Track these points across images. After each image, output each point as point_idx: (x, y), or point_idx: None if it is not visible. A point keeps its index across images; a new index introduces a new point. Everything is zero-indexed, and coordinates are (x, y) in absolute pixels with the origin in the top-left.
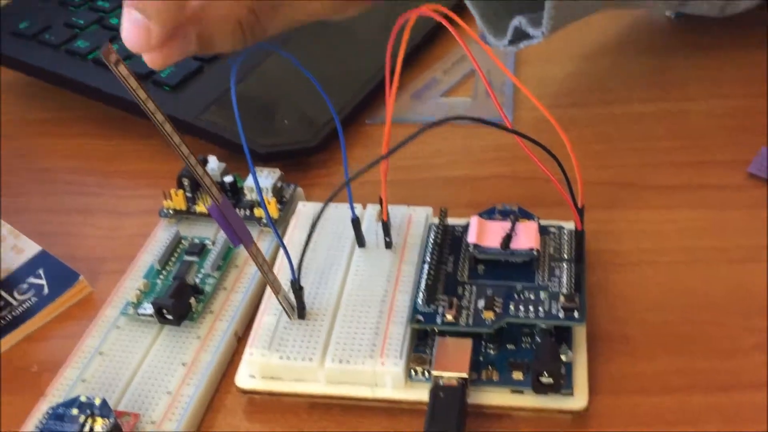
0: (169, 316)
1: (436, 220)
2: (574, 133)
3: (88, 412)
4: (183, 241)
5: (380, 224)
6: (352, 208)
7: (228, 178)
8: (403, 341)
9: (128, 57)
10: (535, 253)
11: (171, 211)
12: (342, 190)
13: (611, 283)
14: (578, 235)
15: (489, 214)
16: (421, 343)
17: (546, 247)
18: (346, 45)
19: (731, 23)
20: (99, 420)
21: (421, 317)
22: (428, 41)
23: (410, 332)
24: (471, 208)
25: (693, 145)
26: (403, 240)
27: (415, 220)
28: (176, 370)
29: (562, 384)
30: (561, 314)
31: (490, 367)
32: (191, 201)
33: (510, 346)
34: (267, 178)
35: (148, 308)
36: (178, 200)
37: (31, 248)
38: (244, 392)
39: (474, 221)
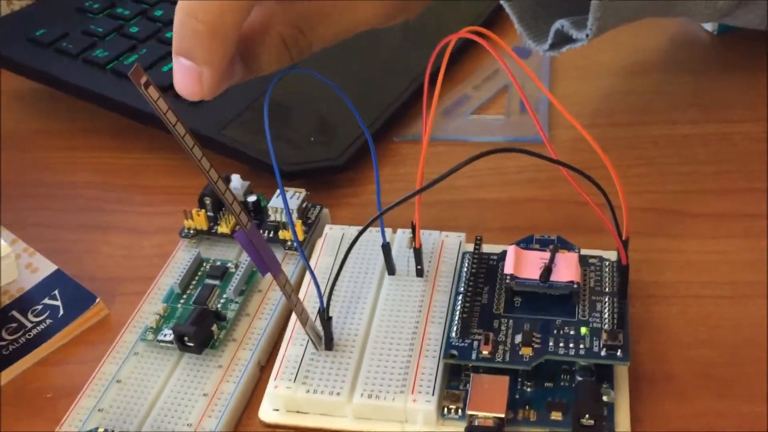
0: (191, 344)
1: (470, 247)
2: (614, 155)
3: None
4: (204, 264)
5: (412, 251)
6: (383, 234)
7: (252, 198)
8: (435, 377)
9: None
10: (575, 286)
11: (192, 231)
12: (375, 221)
13: (653, 316)
14: (622, 270)
15: (527, 243)
16: (455, 378)
17: (587, 280)
18: (372, 59)
19: None
20: None
21: (455, 352)
22: (458, 55)
23: (443, 367)
24: (505, 233)
25: (739, 171)
26: (435, 268)
27: (447, 247)
28: (197, 401)
29: (604, 426)
30: (603, 352)
31: (527, 407)
32: (213, 221)
33: (548, 384)
34: (292, 198)
35: (168, 334)
36: (199, 220)
37: (46, 267)
38: (268, 426)
39: (511, 251)
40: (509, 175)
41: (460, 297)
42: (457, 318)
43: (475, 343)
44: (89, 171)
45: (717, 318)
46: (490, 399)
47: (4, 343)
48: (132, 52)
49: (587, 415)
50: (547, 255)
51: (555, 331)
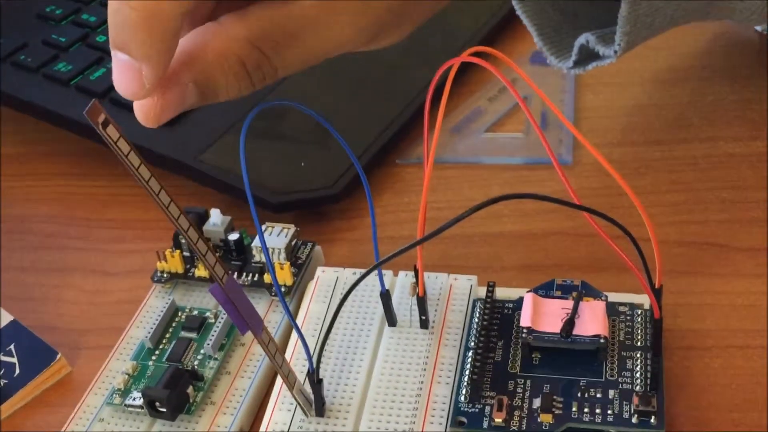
0: (163, 410)
1: (482, 291)
2: (647, 180)
3: None
4: (180, 313)
5: (415, 299)
6: (382, 281)
7: (233, 236)
8: None
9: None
10: (602, 340)
11: (166, 275)
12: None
13: (692, 372)
14: (656, 324)
15: (546, 289)
16: None
17: (616, 333)
18: (371, 71)
19: None
20: None
21: (463, 419)
22: (470, 63)
23: None
24: (522, 274)
25: None
26: (443, 317)
27: (456, 292)
28: None
29: None
30: (634, 419)
31: None
32: (190, 262)
33: None
34: (279, 236)
35: (137, 398)
36: (174, 262)
37: (1, 318)
38: None
39: (528, 300)
40: (527, 204)
41: (470, 353)
42: (466, 378)
43: (487, 409)
44: (48, 201)
45: (766, 373)
46: None
47: None
48: (98, 65)
49: None
50: (569, 304)
51: (579, 394)
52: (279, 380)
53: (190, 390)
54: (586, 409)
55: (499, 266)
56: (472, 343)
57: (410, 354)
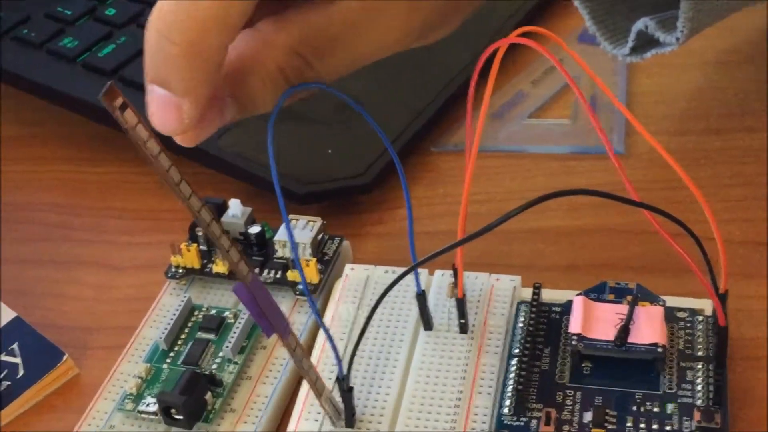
0: (179, 417)
1: (526, 293)
2: (708, 172)
3: None
4: (196, 312)
5: (454, 301)
6: (418, 281)
7: (254, 229)
8: None
9: None
10: (659, 350)
11: (181, 270)
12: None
13: (758, 385)
14: (720, 332)
15: (598, 292)
16: None
17: (674, 342)
18: (405, 54)
19: None
20: None
21: None
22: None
23: None
24: (570, 274)
25: None
26: (483, 321)
27: (498, 294)
28: None
29: None
30: None
31: None
32: (207, 257)
33: None
34: (305, 229)
35: (151, 404)
36: (190, 257)
37: (2, 314)
38: None
39: (578, 303)
40: (573, 197)
41: (514, 361)
42: (510, 389)
43: (534, 422)
44: (52, 188)
45: None
46: None
47: None
48: (108, 40)
49: None
50: (623, 309)
51: (634, 408)
52: (305, 387)
53: (208, 396)
54: (642, 425)
55: (543, 265)
56: (517, 350)
57: (448, 361)
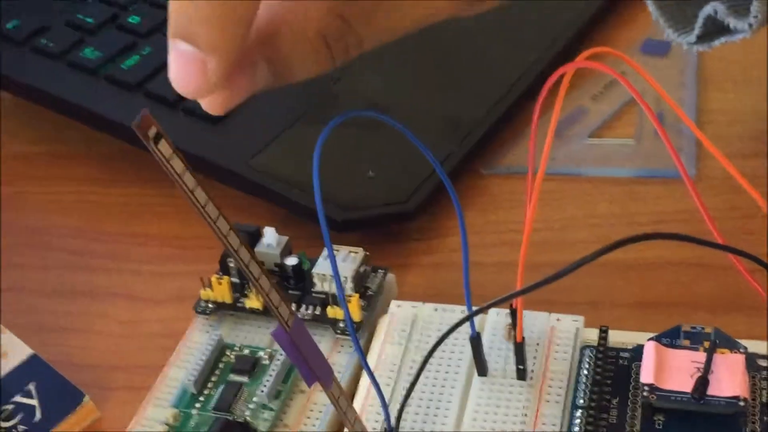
0: None
1: (591, 335)
2: None
3: None
4: (228, 352)
5: (511, 344)
6: (473, 324)
7: (291, 260)
8: None
9: None
10: (741, 404)
11: (211, 306)
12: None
13: None
14: None
15: (671, 337)
16: None
17: (757, 393)
18: (451, 65)
19: None
20: None
21: None
22: (571, 50)
23: None
24: (639, 313)
25: None
26: (543, 366)
27: (559, 336)
28: None
29: None
30: None
31: None
32: (239, 291)
33: None
34: (346, 260)
35: None
36: (221, 290)
37: (18, 351)
38: None
39: (650, 349)
40: (643, 224)
41: (579, 413)
42: None
43: None
44: (71, 212)
45: None
46: None
47: None
48: (131, 51)
49: None
50: (700, 357)
51: None
52: None
53: None
54: None
55: (608, 302)
56: (582, 401)
57: (505, 410)
